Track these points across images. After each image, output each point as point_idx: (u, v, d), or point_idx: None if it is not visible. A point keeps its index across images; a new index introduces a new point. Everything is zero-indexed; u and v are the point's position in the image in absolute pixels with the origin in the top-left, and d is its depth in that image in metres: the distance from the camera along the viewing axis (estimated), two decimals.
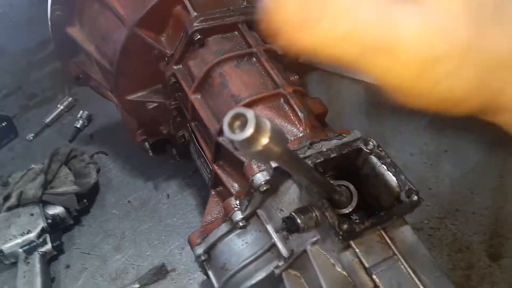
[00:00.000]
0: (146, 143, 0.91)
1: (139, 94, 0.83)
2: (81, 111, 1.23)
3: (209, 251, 0.65)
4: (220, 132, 0.65)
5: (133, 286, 0.85)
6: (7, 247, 0.87)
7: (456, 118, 0.30)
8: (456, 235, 0.89)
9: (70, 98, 1.28)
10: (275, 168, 0.55)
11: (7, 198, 0.95)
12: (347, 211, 0.54)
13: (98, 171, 1.06)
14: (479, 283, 0.82)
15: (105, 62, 0.79)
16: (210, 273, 0.66)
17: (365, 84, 1.15)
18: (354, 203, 0.54)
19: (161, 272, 0.86)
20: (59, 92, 1.35)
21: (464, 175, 0.92)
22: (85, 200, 0.98)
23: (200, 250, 0.65)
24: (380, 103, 1.07)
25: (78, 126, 1.21)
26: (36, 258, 0.87)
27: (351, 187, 0.55)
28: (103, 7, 0.76)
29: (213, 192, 0.73)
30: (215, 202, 0.71)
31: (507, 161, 0.93)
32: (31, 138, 1.21)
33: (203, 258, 0.65)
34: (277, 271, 0.59)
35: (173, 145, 0.97)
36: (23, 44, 1.55)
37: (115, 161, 1.12)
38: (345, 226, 0.48)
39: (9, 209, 0.93)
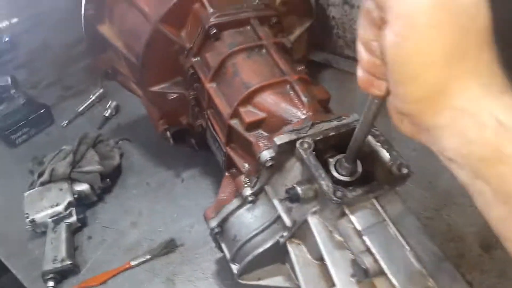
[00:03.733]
0: (168, 132, 0.96)
1: (161, 85, 0.88)
2: (110, 102, 1.31)
3: (222, 224, 0.70)
4: (232, 116, 0.69)
5: (145, 257, 0.90)
6: (39, 217, 0.95)
7: None
8: (451, 226, 0.90)
9: (102, 90, 1.36)
10: (279, 145, 0.59)
11: (41, 175, 1.03)
12: (353, 179, 0.57)
13: (121, 155, 1.12)
14: (468, 271, 0.83)
15: (132, 56, 0.85)
16: (223, 245, 0.71)
17: None
18: (359, 171, 0.57)
19: (170, 245, 0.92)
20: (92, 84, 1.43)
21: None
22: (108, 180, 1.04)
23: (214, 223, 0.70)
24: None
25: (107, 115, 1.28)
26: (62, 228, 0.94)
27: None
28: (130, 6, 0.82)
29: (226, 174, 0.77)
30: (228, 182, 0.75)
31: None
32: (65, 124, 1.29)
33: (216, 230, 0.70)
34: (281, 240, 0.63)
35: (192, 135, 1.03)
36: (62, 40, 1.65)
37: (138, 148, 1.19)
38: (338, 193, 0.52)
39: (42, 184, 1.01)
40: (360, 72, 0.40)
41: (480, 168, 0.32)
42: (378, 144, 0.59)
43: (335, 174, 0.58)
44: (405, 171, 0.55)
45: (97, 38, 0.91)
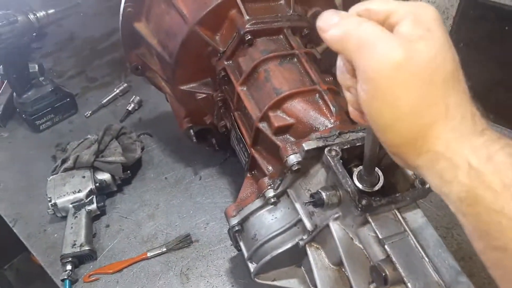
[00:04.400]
0: (191, 130, 0.99)
1: (191, 85, 0.91)
2: (133, 96, 1.34)
3: (242, 223, 0.71)
4: (261, 119, 0.72)
5: (161, 249, 0.93)
6: (60, 201, 0.98)
7: None
8: (461, 245, 0.92)
9: (125, 84, 1.40)
10: (307, 151, 0.61)
11: (64, 161, 1.07)
12: (374, 190, 0.58)
13: (142, 148, 1.15)
14: None
15: (166, 54, 0.88)
16: (241, 243, 0.72)
17: None
18: (381, 183, 0.59)
19: (186, 240, 0.94)
20: (116, 79, 1.47)
21: None
22: (128, 171, 1.07)
23: (234, 221, 0.71)
24: None
25: (130, 109, 1.32)
26: (82, 214, 0.97)
27: (378, 170, 0.60)
28: (169, 7, 0.85)
29: (248, 175, 0.79)
30: (249, 183, 0.77)
31: None
32: (88, 114, 1.33)
33: (236, 228, 0.71)
34: (301, 243, 0.65)
35: (214, 135, 1.06)
36: (89, 33, 1.69)
37: (158, 142, 1.22)
38: (363, 201, 0.54)
39: (66, 170, 1.04)
40: (349, 107, 0.43)
41: (459, 206, 0.34)
42: None
43: (358, 183, 0.61)
44: (427, 185, 0.57)
45: (132, 34, 0.94)
